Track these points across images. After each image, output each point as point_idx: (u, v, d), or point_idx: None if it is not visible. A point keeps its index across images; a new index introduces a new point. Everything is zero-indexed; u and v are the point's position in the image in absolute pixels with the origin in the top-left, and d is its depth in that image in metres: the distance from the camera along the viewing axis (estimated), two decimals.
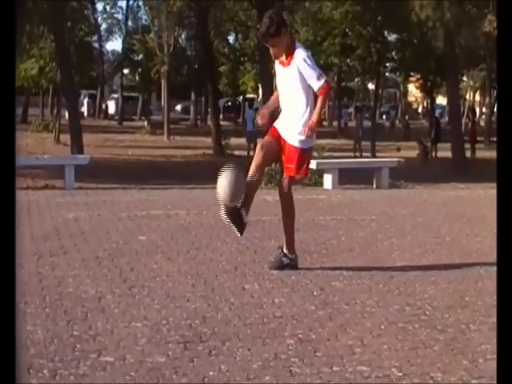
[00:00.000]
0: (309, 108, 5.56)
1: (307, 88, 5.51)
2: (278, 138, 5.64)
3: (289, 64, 5.52)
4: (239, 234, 5.62)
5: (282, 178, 5.75)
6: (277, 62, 5.70)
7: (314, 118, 5.52)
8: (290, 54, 5.51)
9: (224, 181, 5.30)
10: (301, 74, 5.46)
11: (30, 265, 5.51)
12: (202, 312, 4.50)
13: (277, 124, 5.72)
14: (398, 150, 29.77)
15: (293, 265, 5.69)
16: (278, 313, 4.54)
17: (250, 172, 5.53)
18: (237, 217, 5.49)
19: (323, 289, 5.16)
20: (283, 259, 5.70)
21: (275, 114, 5.89)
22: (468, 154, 26.12)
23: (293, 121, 5.60)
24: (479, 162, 26.04)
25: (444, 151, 27.20)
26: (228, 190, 5.29)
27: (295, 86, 5.52)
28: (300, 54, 5.48)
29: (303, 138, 5.53)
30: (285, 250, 5.72)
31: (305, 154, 5.65)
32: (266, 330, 4.21)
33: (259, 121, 5.74)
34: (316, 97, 5.56)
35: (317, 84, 5.43)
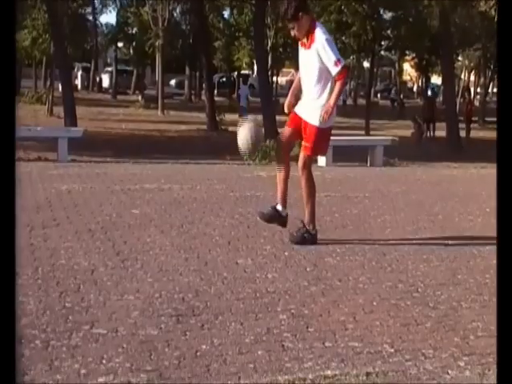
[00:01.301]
0: (326, 91, 5.65)
1: (326, 71, 5.58)
2: (298, 122, 5.80)
3: (309, 47, 5.63)
4: (282, 227, 5.95)
5: (300, 156, 5.83)
6: (299, 43, 5.78)
7: (332, 101, 5.61)
8: (310, 36, 5.60)
9: (244, 130, 5.65)
10: (320, 58, 5.55)
11: (22, 236, 5.48)
12: (195, 286, 4.50)
13: (297, 108, 5.88)
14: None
15: (313, 240, 5.78)
16: (271, 288, 4.55)
17: (277, 166, 5.93)
18: (275, 215, 5.85)
19: (316, 265, 5.17)
20: (305, 235, 5.78)
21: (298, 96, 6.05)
22: (462, 133, 26.09)
23: (311, 101, 5.73)
24: (473, 141, 26.08)
25: (439, 131, 27.17)
26: (248, 139, 5.63)
27: (314, 68, 5.63)
28: (320, 37, 5.55)
29: (321, 119, 5.63)
30: (307, 226, 5.79)
31: (322, 133, 5.75)
32: (259, 304, 4.21)
33: (285, 110, 5.96)
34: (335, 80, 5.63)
35: (334, 69, 5.52)
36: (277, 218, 5.86)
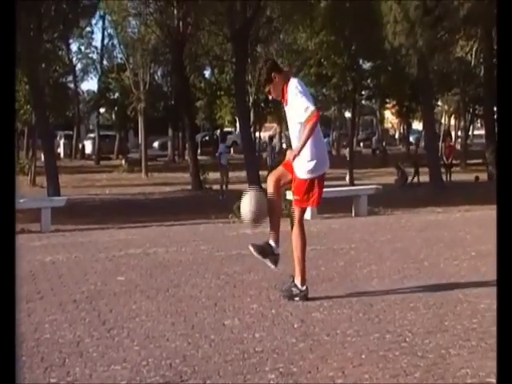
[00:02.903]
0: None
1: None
2: (290, 168, 5.87)
3: (286, 103, 5.77)
4: (273, 266, 5.90)
5: (292, 209, 5.94)
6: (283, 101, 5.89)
7: (300, 143, 5.62)
8: (286, 91, 5.74)
9: (247, 200, 5.71)
10: (294, 110, 5.66)
11: None
12: (182, 351, 4.46)
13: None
14: (477, 178, 28.72)
15: (302, 296, 5.76)
16: (259, 347, 4.52)
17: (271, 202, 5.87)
18: (268, 251, 5.81)
19: (303, 320, 5.15)
20: (293, 289, 5.78)
21: None
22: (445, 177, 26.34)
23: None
24: (456, 185, 26.27)
25: (422, 175, 27.42)
26: (252, 209, 5.69)
27: (294, 121, 5.75)
28: (291, 89, 5.68)
29: (306, 169, 5.73)
30: (296, 281, 5.80)
31: (307, 184, 5.80)
32: (247, 365, 4.18)
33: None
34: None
35: (304, 116, 5.53)
36: (269, 254, 5.82)
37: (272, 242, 5.84)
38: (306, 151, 5.67)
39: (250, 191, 5.85)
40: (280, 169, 5.99)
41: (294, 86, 5.65)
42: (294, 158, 5.68)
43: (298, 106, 5.57)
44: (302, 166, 5.73)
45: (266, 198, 5.83)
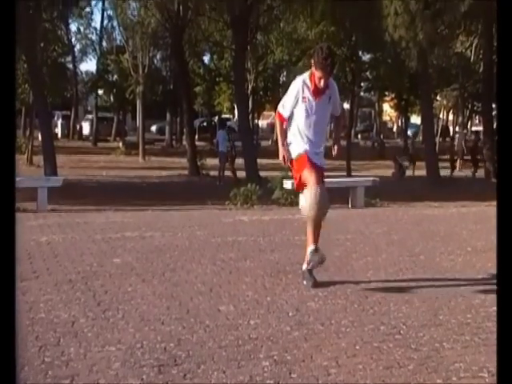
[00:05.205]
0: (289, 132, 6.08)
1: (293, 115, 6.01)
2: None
3: (321, 94, 5.94)
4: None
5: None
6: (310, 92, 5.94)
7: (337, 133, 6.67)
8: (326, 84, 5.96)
9: (308, 194, 5.76)
10: (334, 104, 6.08)
11: None
12: (177, 335, 4.47)
13: None
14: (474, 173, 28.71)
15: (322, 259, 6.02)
16: (254, 334, 4.52)
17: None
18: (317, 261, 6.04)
19: (298, 309, 5.16)
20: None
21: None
22: (442, 172, 26.33)
23: None
24: (454, 180, 26.29)
25: (420, 169, 27.46)
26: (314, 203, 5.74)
27: (324, 112, 6.04)
28: (331, 79, 6.00)
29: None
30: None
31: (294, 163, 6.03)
32: (242, 352, 4.19)
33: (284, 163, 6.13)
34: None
35: (339, 111, 6.27)
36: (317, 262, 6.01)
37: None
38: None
39: (313, 187, 5.77)
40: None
41: (333, 81, 6.02)
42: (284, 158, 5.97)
43: (338, 100, 6.09)
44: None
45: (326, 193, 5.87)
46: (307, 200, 5.76)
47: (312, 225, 5.92)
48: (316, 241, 5.97)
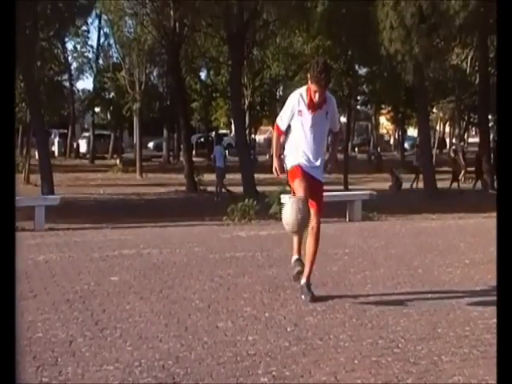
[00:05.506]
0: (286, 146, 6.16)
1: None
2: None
3: (317, 108, 5.96)
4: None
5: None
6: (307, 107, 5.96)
7: (332, 151, 6.76)
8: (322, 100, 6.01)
9: (288, 209, 5.74)
10: (331, 120, 6.14)
11: None
12: (175, 352, 4.46)
13: None
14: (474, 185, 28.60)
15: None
16: (252, 350, 4.52)
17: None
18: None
19: (297, 324, 5.15)
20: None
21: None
22: (439, 184, 26.34)
23: None
24: (451, 192, 26.28)
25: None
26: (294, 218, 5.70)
27: (322, 128, 6.08)
28: (329, 95, 6.07)
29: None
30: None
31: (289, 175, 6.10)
32: (240, 368, 4.18)
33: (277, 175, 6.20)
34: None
35: (338, 126, 6.39)
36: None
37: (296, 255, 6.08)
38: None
39: (293, 199, 5.83)
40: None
41: (331, 97, 6.06)
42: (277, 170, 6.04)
43: (336, 116, 6.19)
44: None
45: (307, 206, 5.84)
46: (287, 213, 5.77)
47: (295, 237, 6.08)
48: (299, 251, 6.09)
